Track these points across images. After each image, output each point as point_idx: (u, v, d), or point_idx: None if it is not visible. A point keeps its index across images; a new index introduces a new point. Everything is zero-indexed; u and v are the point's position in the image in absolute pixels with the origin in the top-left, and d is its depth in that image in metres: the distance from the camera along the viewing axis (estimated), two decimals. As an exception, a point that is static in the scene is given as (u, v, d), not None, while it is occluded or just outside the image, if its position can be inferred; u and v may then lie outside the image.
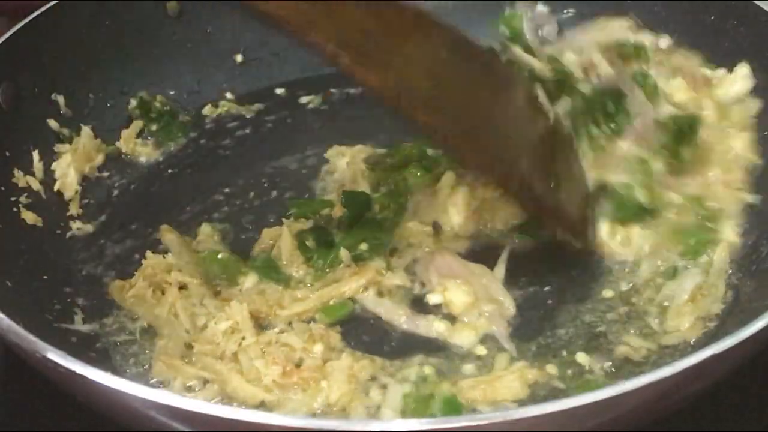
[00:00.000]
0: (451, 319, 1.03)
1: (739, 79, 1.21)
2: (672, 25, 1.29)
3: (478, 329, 1.01)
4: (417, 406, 0.92)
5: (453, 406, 0.91)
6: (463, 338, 1.01)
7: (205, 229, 1.15)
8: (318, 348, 0.97)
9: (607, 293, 1.04)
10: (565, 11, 1.38)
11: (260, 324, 1.02)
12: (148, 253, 1.09)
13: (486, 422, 0.73)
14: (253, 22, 1.38)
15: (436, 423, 0.74)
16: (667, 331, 1.00)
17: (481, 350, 0.99)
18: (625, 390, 0.75)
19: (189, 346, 0.99)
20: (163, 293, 1.04)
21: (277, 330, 1.01)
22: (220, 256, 1.09)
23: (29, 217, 1.12)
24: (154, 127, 1.31)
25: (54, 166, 1.19)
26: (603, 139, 1.13)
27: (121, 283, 1.07)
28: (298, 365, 0.96)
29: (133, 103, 1.31)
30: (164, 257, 1.08)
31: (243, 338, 0.99)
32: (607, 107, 1.14)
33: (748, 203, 1.11)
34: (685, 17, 1.27)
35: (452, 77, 0.99)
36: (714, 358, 0.79)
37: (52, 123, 1.22)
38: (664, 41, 1.25)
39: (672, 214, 1.10)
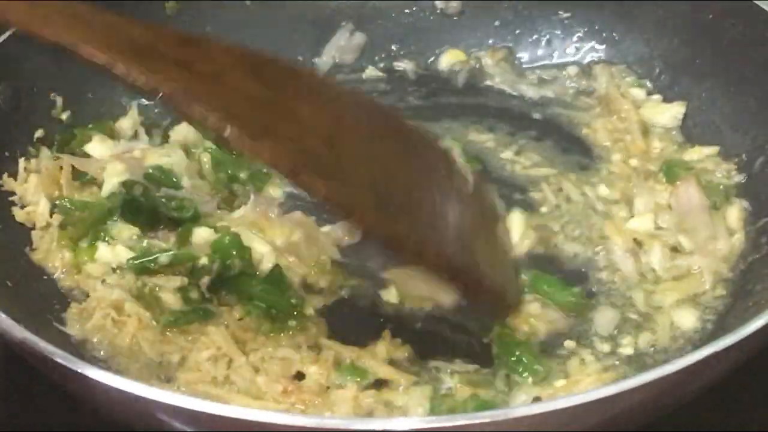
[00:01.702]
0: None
1: (672, 112, 1.26)
2: (671, 25, 1.30)
3: None
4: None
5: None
6: None
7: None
8: (314, 369, 0.95)
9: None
10: (560, 13, 1.39)
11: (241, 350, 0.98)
12: (98, 285, 1.04)
13: (488, 420, 0.73)
14: (252, 22, 1.39)
15: (436, 422, 0.74)
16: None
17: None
18: (625, 388, 0.75)
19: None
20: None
21: (269, 348, 0.98)
22: None
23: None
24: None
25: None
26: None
27: (78, 308, 1.02)
28: (298, 379, 0.94)
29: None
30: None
31: (230, 361, 0.96)
32: None
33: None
34: (684, 17, 1.27)
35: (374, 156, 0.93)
36: (714, 356, 0.79)
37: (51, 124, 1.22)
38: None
39: None
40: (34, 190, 1.13)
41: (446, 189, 1.00)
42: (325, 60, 1.42)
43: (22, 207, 1.12)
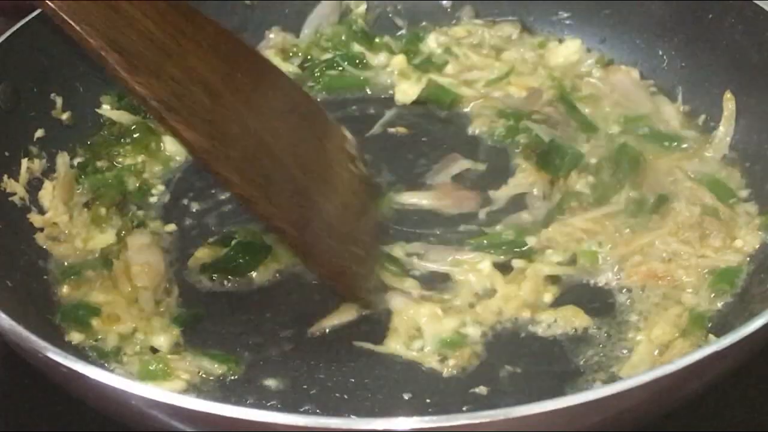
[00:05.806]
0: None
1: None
2: (670, 24, 1.30)
3: None
4: None
5: None
6: None
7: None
8: None
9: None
10: (560, 13, 1.39)
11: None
12: None
13: (487, 420, 0.73)
14: (251, 23, 1.39)
15: (436, 422, 0.74)
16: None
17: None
18: (625, 388, 0.76)
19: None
20: None
21: None
22: None
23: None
24: None
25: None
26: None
27: None
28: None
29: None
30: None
31: None
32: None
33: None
34: (684, 16, 1.27)
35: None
36: (714, 356, 0.79)
37: (51, 124, 1.22)
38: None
39: None
40: (51, 197, 1.15)
41: (340, 178, 0.99)
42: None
43: (39, 212, 1.13)
